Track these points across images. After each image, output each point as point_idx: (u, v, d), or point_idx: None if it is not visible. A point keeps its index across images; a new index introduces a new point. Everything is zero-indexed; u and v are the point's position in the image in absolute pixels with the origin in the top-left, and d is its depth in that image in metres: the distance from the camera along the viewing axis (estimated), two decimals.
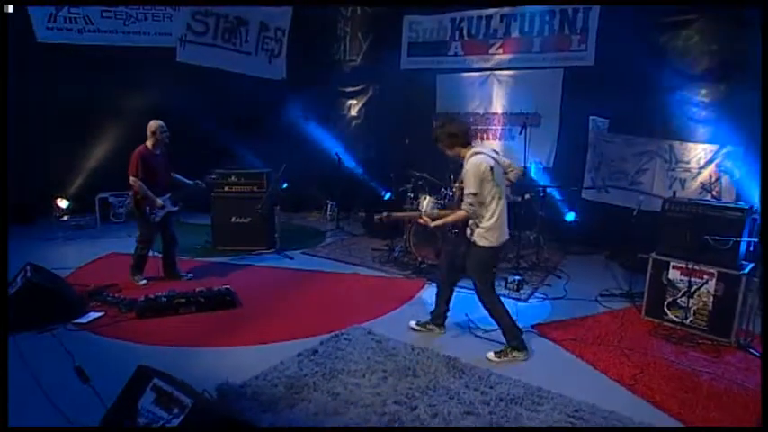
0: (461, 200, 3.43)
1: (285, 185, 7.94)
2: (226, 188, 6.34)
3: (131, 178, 4.79)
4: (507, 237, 3.59)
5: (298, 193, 8.83)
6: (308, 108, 9.18)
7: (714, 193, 6.18)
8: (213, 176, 6.00)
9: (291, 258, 6.15)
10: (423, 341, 3.80)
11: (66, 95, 7.23)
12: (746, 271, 4.03)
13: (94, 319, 4.19)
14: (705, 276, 4.17)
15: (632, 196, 6.49)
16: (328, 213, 8.68)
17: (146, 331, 3.94)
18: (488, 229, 3.43)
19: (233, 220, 6.34)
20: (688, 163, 6.40)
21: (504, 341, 3.61)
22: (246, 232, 6.33)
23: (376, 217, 3.95)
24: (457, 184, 3.65)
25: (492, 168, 3.40)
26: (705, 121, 6.26)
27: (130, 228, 7.48)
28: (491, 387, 3.10)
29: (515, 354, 3.55)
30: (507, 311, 3.62)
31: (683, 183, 6.45)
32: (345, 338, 3.76)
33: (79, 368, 3.35)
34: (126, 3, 7.72)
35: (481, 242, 3.45)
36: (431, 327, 4.00)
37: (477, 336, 3.99)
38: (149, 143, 4.92)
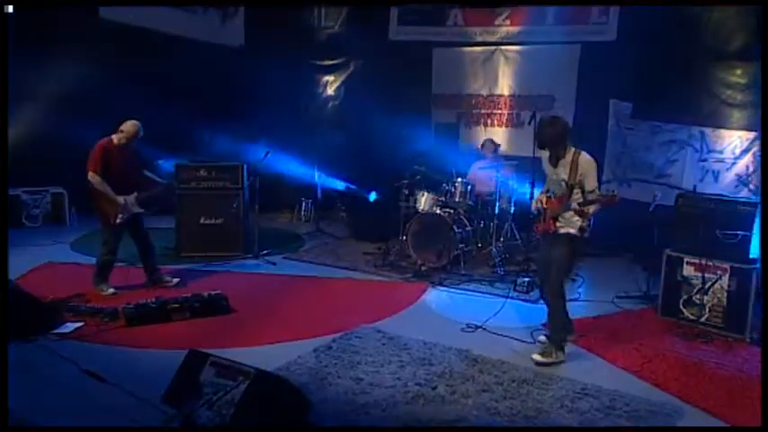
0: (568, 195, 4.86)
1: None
2: (193, 184, 7.73)
3: (90, 173, 6.09)
4: None
5: (263, 190, 10.20)
6: (275, 82, 10.51)
7: (752, 186, 7.68)
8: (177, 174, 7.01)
9: (274, 264, 7.61)
10: (433, 337, 5.31)
11: None
12: (759, 265, 5.64)
13: (77, 329, 5.50)
14: (718, 272, 5.76)
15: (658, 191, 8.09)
16: (302, 213, 10.13)
17: (141, 337, 5.27)
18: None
19: (202, 221, 7.74)
20: (722, 152, 7.95)
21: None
22: (218, 235, 7.74)
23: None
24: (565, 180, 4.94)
25: None
26: (742, 104, 7.75)
27: (49, 233, 8.75)
28: (504, 372, 4.64)
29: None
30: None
31: (716, 174, 8.03)
32: (357, 336, 5.26)
33: (89, 371, 4.71)
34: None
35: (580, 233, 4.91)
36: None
37: (486, 331, 5.56)
38: (115, 138, 6.24)
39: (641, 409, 4.23)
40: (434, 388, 4.36)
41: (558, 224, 4.96)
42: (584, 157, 4.87)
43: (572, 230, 4.91)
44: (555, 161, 4.99)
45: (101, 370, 4.55)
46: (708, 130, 8.05)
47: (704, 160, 8.12)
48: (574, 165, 4.84)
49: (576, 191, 4.84)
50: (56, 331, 5.39)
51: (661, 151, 8.42)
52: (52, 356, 4.92)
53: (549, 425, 3.97)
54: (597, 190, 4.81)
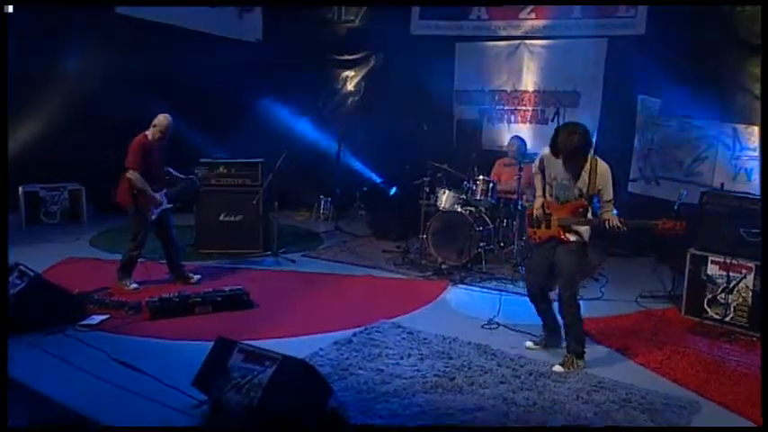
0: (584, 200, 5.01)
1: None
2: (213, 181, 8.21)
3: (129, 171, 6.51)
4: None
5: (281, 187, 10.67)
6: (293, 78, 10.95)
7: None
8: (202, 170, 7.59)
9: (293, 261, 8.08)
10: (453, 333, 5.72)
11: None
12: None
13: (103, 321, 5.99)
14: (743, 271, 6.09)
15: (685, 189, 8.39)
16: (321, 212, 10.59)
17: (166, 329, 5.75)
18: None
19: (221, 218, 8.22)
20: (756, 150, 8.17)
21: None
22: (237, 232, 8.22)
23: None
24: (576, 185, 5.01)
25: None
26: None
27: (67, 229, 9.26)
28: (521, 366, 5.03)
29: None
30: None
31: (749, 173, 8.26)
32: (377, 331, 5.71)
33: (119, 360, 5.17)
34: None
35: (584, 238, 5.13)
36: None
37: (506, 328, 5.97)
38: (149, 133, 6.65)
39: (657, 402, 4.55)
40: (453, 379, 4.76)
41: (567, 233, 5.08)
42: (603, 164, 4.95)
43: (583, 238, 5.11)
44: (574, 170, 4.97)
45: (129, 359, 5.03)
46: (741, 127, 8.28)
47: (737, 158, 8.35)
48: (592, 173, 4.91)
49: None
50: (83, 323, 5.87)
51: (691, 148, 8.66)
52: (81, 346, 5.40)
53: (565, 415, 4.34)
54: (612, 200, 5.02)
